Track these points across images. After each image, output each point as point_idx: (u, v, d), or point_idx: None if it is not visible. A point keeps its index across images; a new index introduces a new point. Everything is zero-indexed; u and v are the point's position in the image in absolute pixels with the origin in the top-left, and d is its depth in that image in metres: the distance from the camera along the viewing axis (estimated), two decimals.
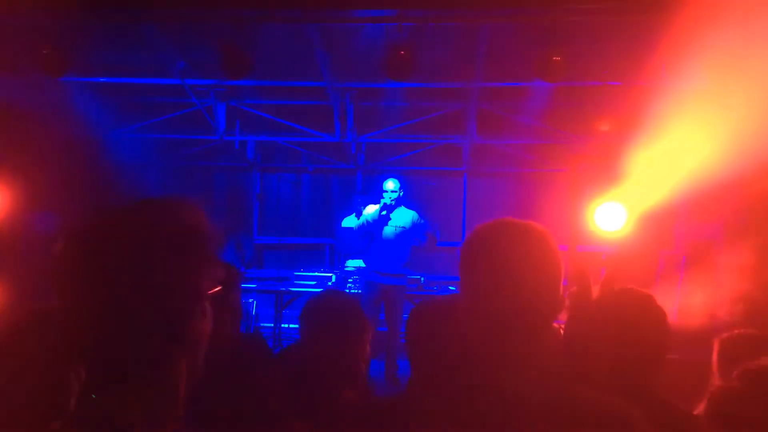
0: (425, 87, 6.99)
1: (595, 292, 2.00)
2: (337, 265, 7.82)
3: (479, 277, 1.41)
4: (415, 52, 5.68)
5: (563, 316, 1.90)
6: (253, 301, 7.17)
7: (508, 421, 1.31)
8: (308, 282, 7.13)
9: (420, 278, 7.07)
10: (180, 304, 1.06)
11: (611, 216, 6.44)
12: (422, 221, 6.28)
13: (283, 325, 7.27)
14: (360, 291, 6.52)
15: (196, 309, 1.09)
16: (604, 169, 6.81)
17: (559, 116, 7.47)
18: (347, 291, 6.88)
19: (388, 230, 6.20)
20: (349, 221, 6.96)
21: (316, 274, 7.21)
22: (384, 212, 6.14)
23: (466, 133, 7.79)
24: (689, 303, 4.98)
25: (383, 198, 6.17)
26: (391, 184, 6.22)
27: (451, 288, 7.29)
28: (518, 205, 7.70)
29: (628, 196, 6.27)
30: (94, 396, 2.02)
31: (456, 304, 1.96)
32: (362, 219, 6.22)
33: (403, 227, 6.23)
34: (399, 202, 6.23)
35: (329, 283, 7.08)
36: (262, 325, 7.42)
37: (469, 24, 5.73)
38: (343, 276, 7.13)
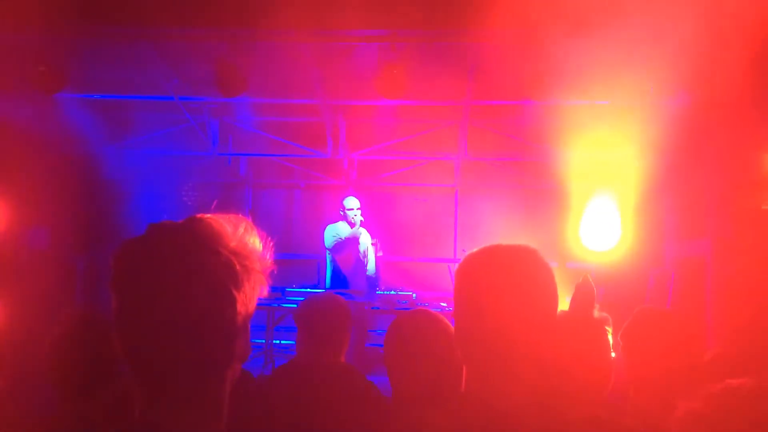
0: (417, 104, 7.06)
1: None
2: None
3: (473, 305, 1.44)
4: (407, 70, 5.74)
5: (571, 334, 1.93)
6: None
7: None
8: (300, 298, 7.12)
9: (412, 294, 7.08)
10: (234, 321, 1.05)
11: (602, 233, 6.51)
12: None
13: (274, 341, 7.27)
14: None
15: (246, 326, 1.09)
16: (595, 187, 6.88)
17: (549, 134, 7.53)
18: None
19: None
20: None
21: (308, 290, 7.21)
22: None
23: (458, 150, 7.85)
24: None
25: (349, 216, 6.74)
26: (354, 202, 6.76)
27: (442, 304, 7.29)
28: (509, 222, 7.73)
29: (619, 212, 6.34)
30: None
31: (435, 319, 2.01)
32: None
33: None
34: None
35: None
36: (253, 341, 7.39)
37: (461, 43, 5.80)
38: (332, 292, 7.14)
